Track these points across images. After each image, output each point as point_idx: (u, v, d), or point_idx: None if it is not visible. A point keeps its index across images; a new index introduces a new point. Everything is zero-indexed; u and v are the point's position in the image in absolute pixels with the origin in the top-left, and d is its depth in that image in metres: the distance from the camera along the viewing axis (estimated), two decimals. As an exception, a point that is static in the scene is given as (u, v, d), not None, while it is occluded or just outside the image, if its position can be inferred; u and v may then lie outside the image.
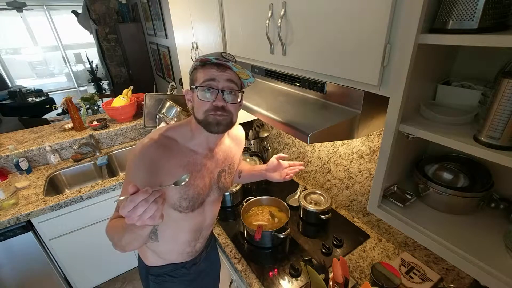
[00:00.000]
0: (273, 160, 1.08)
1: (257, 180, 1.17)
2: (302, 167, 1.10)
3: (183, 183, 0.62)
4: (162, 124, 1.78)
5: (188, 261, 1.02)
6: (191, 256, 1.02)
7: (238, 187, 1.52)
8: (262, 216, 1.30)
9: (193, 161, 0.83)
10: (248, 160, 1.79)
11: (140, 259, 1.03)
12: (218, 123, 0.76)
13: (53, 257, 1.74)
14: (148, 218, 0.54)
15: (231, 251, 1.22)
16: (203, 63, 0.76)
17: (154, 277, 1.00)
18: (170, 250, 0.96)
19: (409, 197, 0.77)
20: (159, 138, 0.78)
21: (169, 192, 0.80)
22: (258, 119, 1.83)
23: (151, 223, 0.55)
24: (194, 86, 0.76)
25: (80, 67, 7.11)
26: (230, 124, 0.79)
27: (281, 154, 1.08)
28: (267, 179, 1.11)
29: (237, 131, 1.05)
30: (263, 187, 1.67)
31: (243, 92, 0.80)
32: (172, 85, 2.32)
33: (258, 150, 1.92)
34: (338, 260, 0.94)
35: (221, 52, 0.75)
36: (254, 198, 1.36)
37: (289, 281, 1.06)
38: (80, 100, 2.40)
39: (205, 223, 0.99)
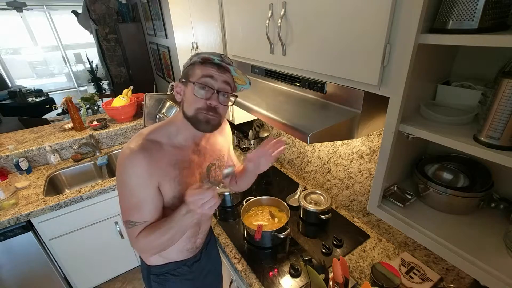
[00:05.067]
0: (246, 164, 0.98)
1: (251, 179, 1.08)
2: (282, 143, 0.95)
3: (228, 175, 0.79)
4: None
5: (189, 258, 1.02)
6: (191, 253, 1.02)
7: (238, 187, 1.52)
8: (262, 216, 1.30)
9: (181, 158, 0.82)
10: (248, 160, 1.79)
11: (141, 260, 1.02)
12: (208, 122, 0.77)
13: (53, 257, 1.74)
14: (208, 207, 0.70)
15: (231, 251, 1.22)
16: (203, 60, 0.75)
17: (156, 277, 0.99)
18: (170, 248, 0.96)
19: (409, 197, 0.77)
20: (142, 144, 0.76)
21: (163, 191, 0.80)
22: (258, 119, 1.83)
23: (208, 212, 0.71)
24: (190, 81, 0.75)
25: (80, 67, 7.11)
26: (218, 125, 0.81)
27: (249, 155, 0.97)
28: (257, 172, 1.01)
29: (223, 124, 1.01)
30: (263, 187, 1.67)
31: (236, 96, 0.81)
32: (172, 85, 2.31)
33: (258, 150, 1.91)
34: (338, 260, 0.94)
35: (221, 54, 0.75)
36: (254, 198, 1.36)
37: (289, 281, 1.06)
38: (80, 100, 2.40)
39: (203, 216, 0.98)
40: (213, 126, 0.79)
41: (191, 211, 0.72)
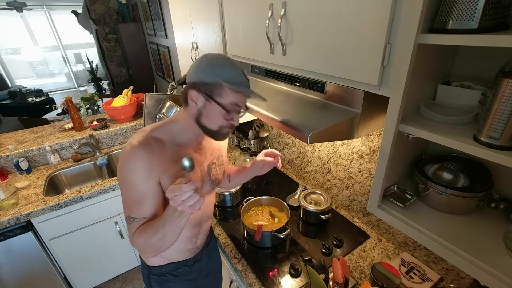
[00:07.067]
0: (257, 160, 1.08)
1: (247, 179, 1.17)
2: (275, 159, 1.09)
3: (187, 164, 0.63)
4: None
5: (189, 258, 1.02)
6: (192, 253, 1.02)
7: (238, 187, 1.52)
8: (262, 216, 1.30)
9: (183, 156, 0.82)
10: (248, 160, 1.79)
11: (142, 260, 1.02)
12: (225, 135, 0.83)
13: (53, 257, 1.74)
14: (188, 205, 0.62)
15: (231, 251, 1.22)
16: (236, 90, 0.74)
17: (156, 277, 0.99)
18: (171, 248, 0.96)
19: (409, 197, 0.77)
20: (144, 140, 0.77)
21: (164, 187, 0.80)
22: (258, 119, 1.83)
23: (190, 210, 0.64)
24: (216, 101, 0.74)
25: (80, 67, 7.11)
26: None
27: (266, 151, 1.09)
28: (258, 174, 1.10)
29: None
30: (263, 187, 1.67)
31: (247, 108, 0.85)
32: (172, 85, 2.31)
33: (258, 150, 1.92)
34: (338, 260, 0.94)
35: (247, 80, 0.78)
36: (254, 198, 1.36)
37: (289, 281, 1.06)
38: (80, 100, 2.40)
39: (204, 216, 1.00)
40: (227, 135, 0.85)
41: (176, 210, 0.68)
